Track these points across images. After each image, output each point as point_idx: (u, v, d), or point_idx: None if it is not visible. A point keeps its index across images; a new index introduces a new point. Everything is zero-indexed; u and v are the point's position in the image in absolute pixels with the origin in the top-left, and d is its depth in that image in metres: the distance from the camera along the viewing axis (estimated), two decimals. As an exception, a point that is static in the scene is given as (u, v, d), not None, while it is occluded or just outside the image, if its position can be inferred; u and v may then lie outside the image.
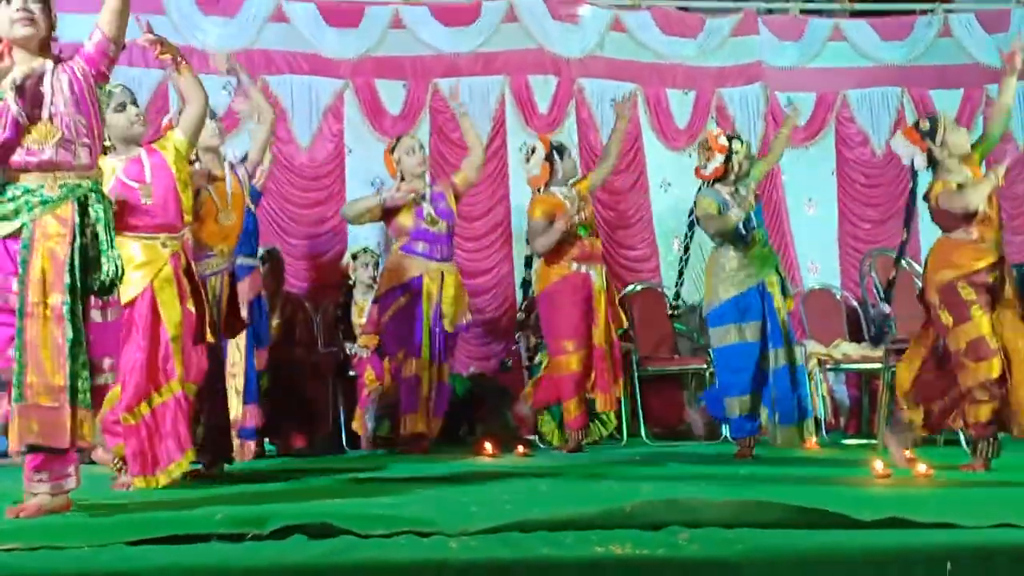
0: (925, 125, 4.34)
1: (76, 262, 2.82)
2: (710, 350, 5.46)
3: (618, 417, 5.78)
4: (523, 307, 6.12)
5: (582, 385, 5.48)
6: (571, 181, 5.67)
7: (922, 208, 4.38)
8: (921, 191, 4.37)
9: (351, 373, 5.92)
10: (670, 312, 5.53)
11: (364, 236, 6.44)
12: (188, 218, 3.83)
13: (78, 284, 2.82)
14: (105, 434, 3.66)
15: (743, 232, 4.93)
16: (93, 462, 3.91)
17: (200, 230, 4.27)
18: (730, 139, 5.05)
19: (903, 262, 4.71)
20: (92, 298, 2.91)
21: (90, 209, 2.89)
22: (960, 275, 4.12)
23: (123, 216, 3.59)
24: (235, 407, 4.81)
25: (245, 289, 4.90)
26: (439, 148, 6.75)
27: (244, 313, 4.74)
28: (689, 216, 5.19)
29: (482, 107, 6.87)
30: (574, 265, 5.53)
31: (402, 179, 5.62)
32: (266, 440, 5.47)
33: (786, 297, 5.06)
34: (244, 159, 4.68)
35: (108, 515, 2.79)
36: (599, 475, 4.09)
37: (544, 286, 5.58)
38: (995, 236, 4.17)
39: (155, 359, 3.63)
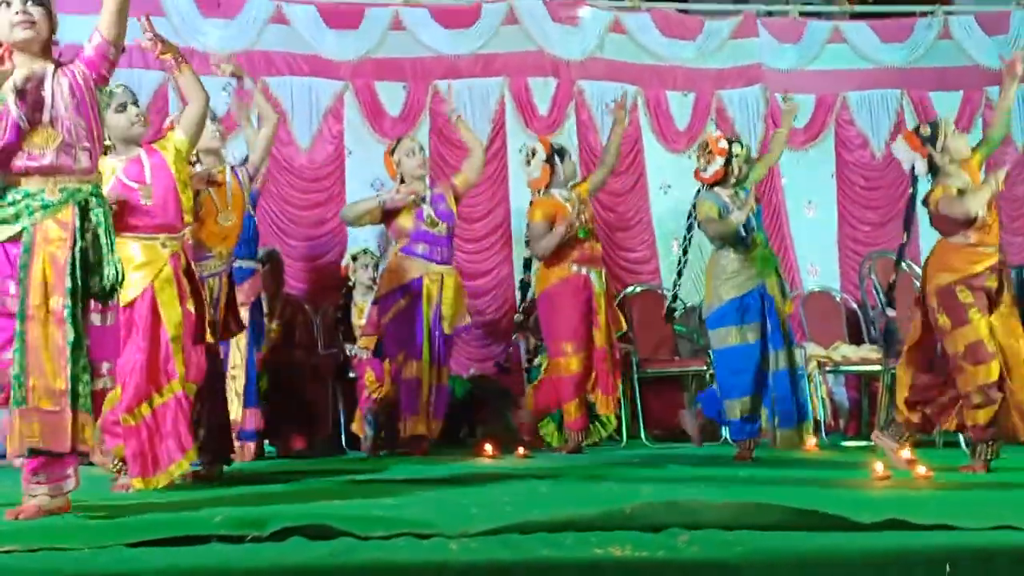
0: (926, 131, 4.34)
1: (77, 266, 2.83)
2: (710, 351, 5.46)
3: (618, 419, 5.78)
4: (521, 309, 6.12)
5: (582, 387, 5.48)
6: (571, 184, 5.68)
7: (921, 212, 4.39)
8: (921, 195, 4.38)
9: (351, 375, 5.91)
10: (666, 313, 5.52)
11: (364, 238, 6.43)
12: (188, 218, 3.83)
13: (79, 287, 2.83)
14: (104, 435, 3.65)
15: (744, 235, 4.94)
16: (92, 463, 3.91)
17: (199, 231, 4.27)
18: (730, 142, 5.06)
19: (903, 264, 4.71)
20: (91, 302, 2.91)
21: (91, 213, 2.89)
22: (958, 279, 4.13)
23: (123, 216, 3.60)
24: (235, 409, 4.82)
25: (245, 292, 4.90)
26: (439, 150, 6.75)
27: (245, 316, 4.75)
28: (688, 219, 5.18)
29: (482, 109, 6.88)
30: (574, 267, 5.53)
31: (402, 181, 5.62)
32: (266, 442, 5.47)
33: (785, 299, 5.06)
34: (245, 161, 4.68)
35: (107, 517, 2.79)
36: (599, 477, 4.09)
37: (544, 288, 5.59)
38: (994, 240, 4.18)
39: (155, 360, 3.63)
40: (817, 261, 7.18)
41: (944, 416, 4.23)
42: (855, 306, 6.84)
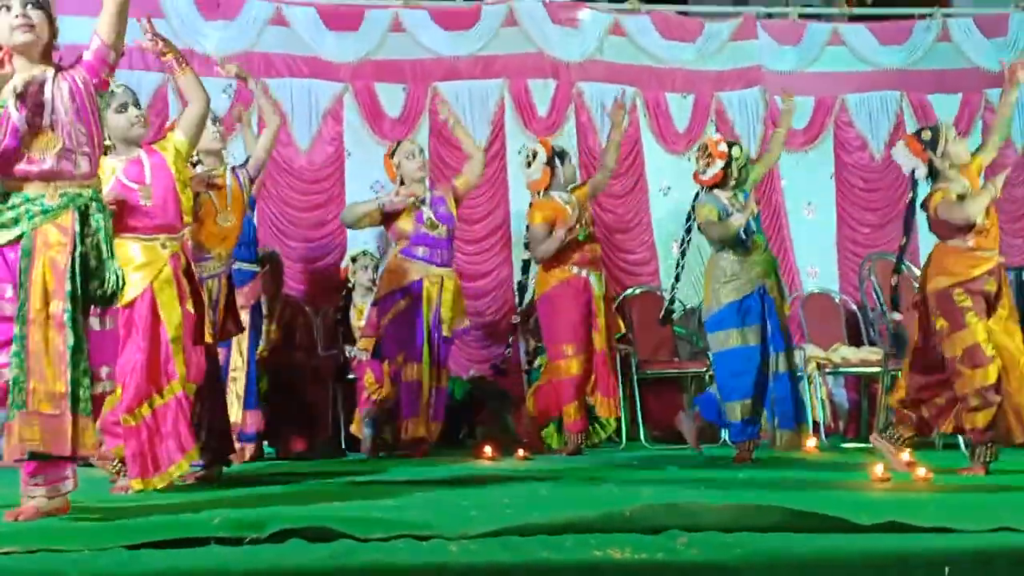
0: (927, 135, 4.35)
1: (77, 270, 2.83)
2: (709, 353, 5.46)
3: (617, 420, 5.78)
4: (519, 311, 6.12)
5: (582, 389, 5.48)
6: (570, 187, 5.68)
7: (920, 215, 4.39)
8: (920, 199, 4.38)
9: (350, 376, 5.91)
10: (662, 315, 5.51)
11: (363, 239, 6.44)
12: (188, 219, 3.83)
13: (79, 292, 2.83)
14: (104, 435, 3.64)
15: (744, 238, 4.94)
16: (91, 465, 3.91)
17: (199, 232, 4.27)
18: (730, 145, 5.06)
19: (903, 267, 4.71)
20: (92, 307, 2.91)
21: (91, 219, 2.89)
22: (955, 282, 4.14)
23: (122, 217, 3.60)
24: (236, 412, 4.81)
25: (245, 295, 4.90)
26: (438, 152, 6.75)
27: (245, 319, 4.75)
28: (687, 221, 5.19)
29: (481, 110, 6.88)
30: (574, 269, 5.54)
31: (402, 183, 5.62)
32: (265, 443, 5.47)
33: (784, 301, 5.06)
34: (246, 162, 4.68)
35: (106, 518, 2.79)
36: (598, 479, 4.09)
37: (544, 290, 5.59)
38: (992, 244, 4.19)
39: (156, 360, 3.62)
40: (816, 263, 7.18)
41: (942, 419, 4.24)
42: (854, 308, 6.84)
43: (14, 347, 2.78)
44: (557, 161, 5.63)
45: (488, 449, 5.10)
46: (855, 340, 6.64)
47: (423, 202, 5.56)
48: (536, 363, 6.07)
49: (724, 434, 5.75)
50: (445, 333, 5.51)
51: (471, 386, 6.36)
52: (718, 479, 4.00)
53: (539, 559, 2.06)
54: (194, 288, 3.79)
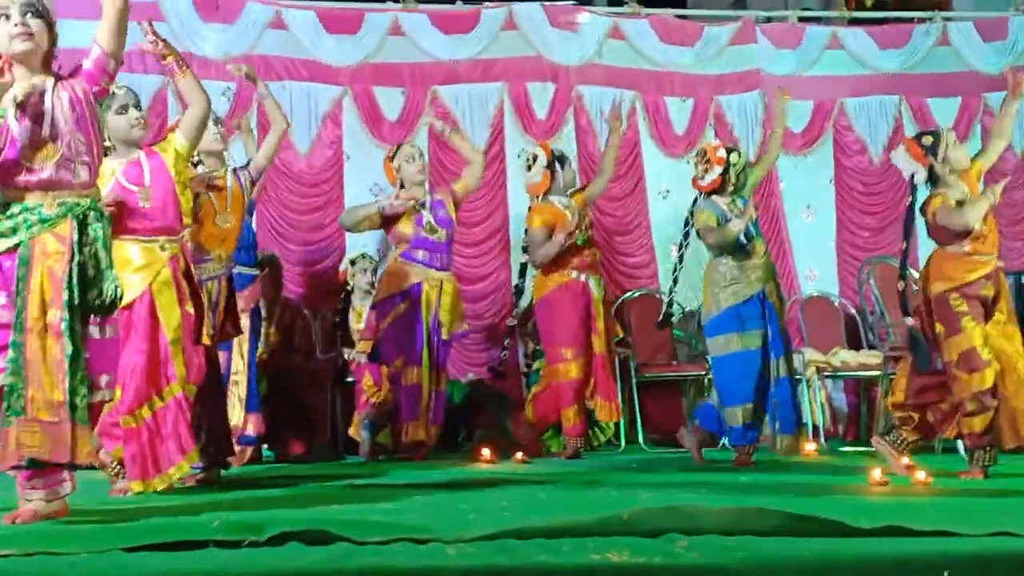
0: (928, 140, 4.35)
1: (75, 279, 2.83)
2: (708, 357, 5.45)
3: (616, 424, 5.77)
4: (515, 314, 6.11)
5: (581, 393, 5.48)
6: (569, 191, 5.68)
7: (920, 220, 4.39)
8: (919, 203, 4.38)
9: (349, 379, 5.91)
10: (660, 319, 5.49)
11: (362, 242, 6.43)
12: (187, 220, 3.83)
13: (76, 301, 2.83)
14: (103, 437, 3.64)
15: (744, 242, 4.94)
16: (92, 466, 3.90)
17: (198, 233, 4.27)
18: (728, 151, 5.07)
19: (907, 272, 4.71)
20: (91, 316, 2.91)
21: (89, 228, 2.89)
22: (952, 287, 4.14)
23: (121, 219, 3.60)
24: (237, 415, 4.81)
25: (245, 298, 4.90)
26: (438, 155, 6.75)
27: (245, 323, 4.74)
28: (685, 226, 5.19)
29: (481, 114, 6.88)
30: (573, 273, 5.54)
31: (402, 187, 5.62)
32: (264, 446, 5.46)
33: (783, 305, 5.06)
34: (247, 164, 4.67)
35: (105, 521, 2.79)
36: (597, 482, 4.09)
37: (543, 294, 5.58)
38: (990, 249, 4.19)
39: (155, 362, 3.62)
40: (815, 266, 7.18)
41: (946, 424, 4.23)
42: (853, 311, 6.84)
43: (11, 354, 2.78)
44: (557, 165, 5.63)
45: (486, 452, 5.10)
46: (854, 344, 6.64)
47: (423, 206, 5.56)
48: (535, 366, 6.07)
49: (724, 438, 5.74)
50: (444, 336, 5.52)
51: (469, 389, 6.36)
52: (717, 482, 4.00)
53: (537, 562, 2.06)
54: (193, 290, 3.79)
